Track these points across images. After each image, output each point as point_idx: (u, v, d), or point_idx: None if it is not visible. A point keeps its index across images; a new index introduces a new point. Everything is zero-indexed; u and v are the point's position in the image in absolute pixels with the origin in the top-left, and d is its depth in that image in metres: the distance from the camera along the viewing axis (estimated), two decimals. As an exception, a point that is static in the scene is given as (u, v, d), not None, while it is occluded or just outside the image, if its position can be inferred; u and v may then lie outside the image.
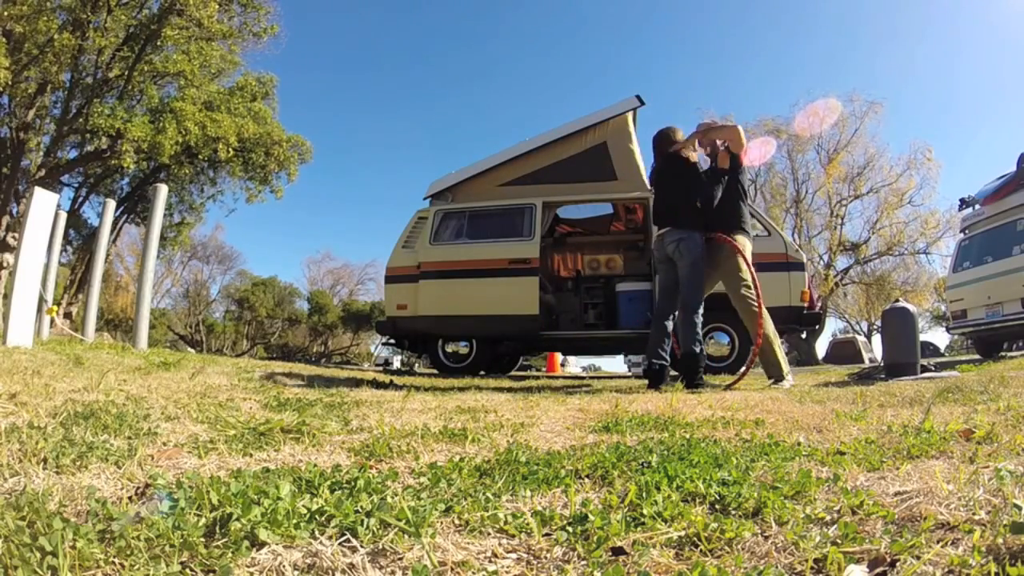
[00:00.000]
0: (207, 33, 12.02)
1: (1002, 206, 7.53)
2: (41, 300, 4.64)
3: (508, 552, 0.77)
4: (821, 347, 18.81)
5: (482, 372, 6.32)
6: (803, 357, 18.39)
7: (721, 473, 1.08)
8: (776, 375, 3.66)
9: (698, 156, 4.02)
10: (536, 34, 61.78)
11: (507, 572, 0.72)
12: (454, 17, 57.91)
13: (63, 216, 6.35)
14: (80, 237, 14.90)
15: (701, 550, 0.77)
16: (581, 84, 58.67)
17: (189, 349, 15.94)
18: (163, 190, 6.07)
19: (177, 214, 15.28)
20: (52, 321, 5.90)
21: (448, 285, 6.06)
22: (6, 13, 10.07)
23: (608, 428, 1.81)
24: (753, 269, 3.74)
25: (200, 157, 12.48)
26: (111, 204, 7.34)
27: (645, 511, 0.87)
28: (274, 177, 13.71)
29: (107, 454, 1.14)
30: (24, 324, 3.98)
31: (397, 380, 4.26)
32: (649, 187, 5.83)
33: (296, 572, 0.68)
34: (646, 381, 3.72)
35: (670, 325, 3.68)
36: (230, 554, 0.69)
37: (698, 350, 3.52)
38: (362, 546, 0.74)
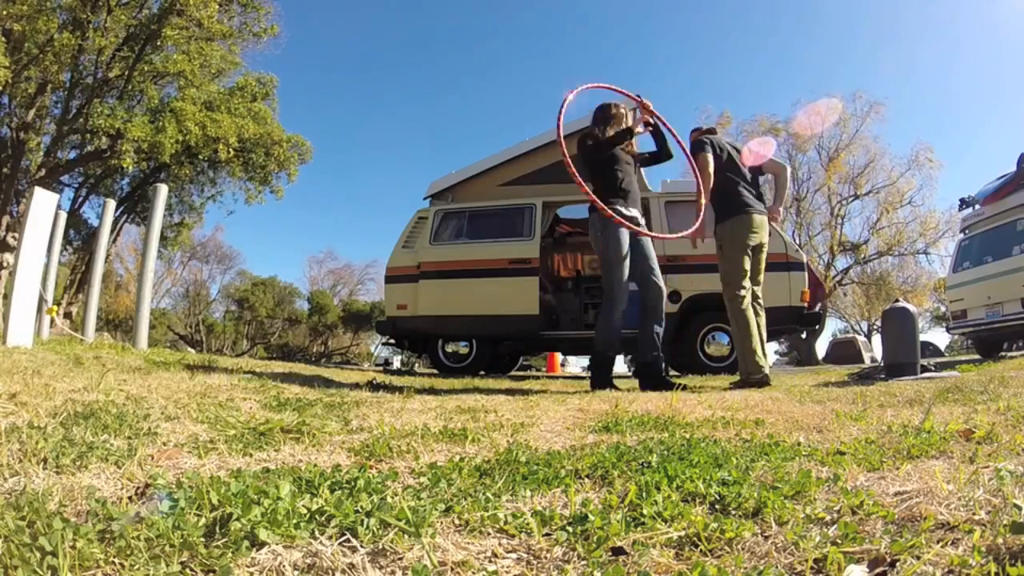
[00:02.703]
0: (207, 33, 12.01)
1: (1002, 206, 7.53)
2: (41, 300, 4.63)
3: (508, 552, 0.77)
4: (821, 347, 18.83)
5: (482, 372, 6.32)
6: (803, 357, 18.39)
7: (721, 473, 1.08)
8: (743, 372, 3.55)
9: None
10: (536, 34, 61.72)
11: (507, 572, 0.72)
12: (454, 17, 57.86)
13: (63, 216, 6.35)
14: (80, 237, 14.89)
15: (701, 550, 0.77)
16: (581, 84, 58.43)
17: (189, 349, 15.93)
18: (163, 190, 6.06)
19: (177, 214, 15.27)
20: (52, 321, 5.90)
21: (448, 285, 6.07)
22: (6, 13, 10.07)
23: (608, 428, 1.81)
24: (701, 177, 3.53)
25: (200, 157, 12.48)
26: (111, 204, 7.34)
27: (645, 511, 0.87)
28: (274, 177, 13.71)
29: (107, 454, 1.14)
30: (24, 324, 3.98)
31: (397, 380, 4.26)
32: (647, 186, 5.85)
33: (296, 572, 0.68)
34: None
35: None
36: (230, 554, 0.69)
37: (607, 352, 3.45)
38: (362, 546, 0.74)
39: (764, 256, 3.79)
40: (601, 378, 3.47)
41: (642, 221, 3.61)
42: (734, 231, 3.66)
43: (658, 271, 3.53)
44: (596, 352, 3.53)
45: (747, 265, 3.66)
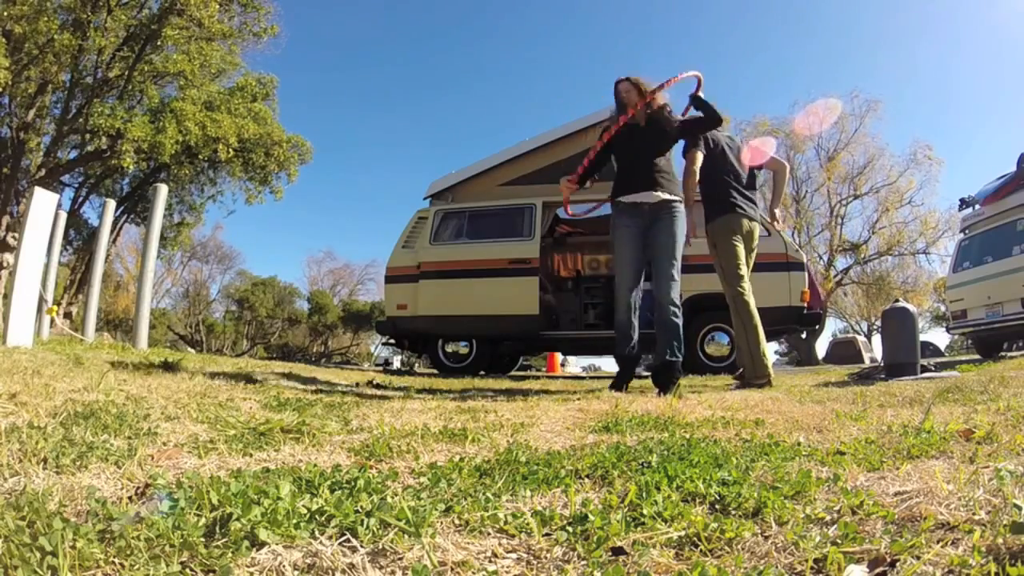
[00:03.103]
0: (207, 33, 12.01)
1: (1002, 206, 7.53)
2: (41, 300, 4.63)
3: (508, 552, 0.77)
4: (821, 347, 18.83)
5: (482, 372, 6.33)
6: (803, 357, 18.40)
7: (721, 473, 1.08)
8: (750, 374, 3.51)
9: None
10: (535, 33, 61.72)
11: (507, 572, 0.72)
12: (453, 17, 57.86)
13: (63, 216, 6.35)
14: (80, 237, 14.87)
15: (701, 550, 0.77)
16: (581, 83, 58.55)
17: (189, 349, 15.91)
18: (163, 190, 6.06)
19: (177, 214, 15.26)
20: (52, 321, 5.90)
21: (448, 285, 6.07)
22: (6, 13, 10.06)
23: (608, 428, 1.81)
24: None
25: (200, 157, 12.46)
26: (111, 204, 7.34)
27: (645, 511, 0.87)
28: (274, 178, 13.69)
29: (107, 454, 1.14)
30: (24, 324, 3.98)
31: (397, 380, 4.26)
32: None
33: (296, 572, 0.68)
34: (648, 382, 3.68)
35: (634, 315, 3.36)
36: (230, 554, 0.69)
37: (617, 353, 3.40)
38: (362, 546, 0.74)
39: (752, 262, 3.75)
40: (616, 379, 3.38)
41: (647, 201, 3.23)
42: (723, 225, 3.63)
43: (669, 270, 3.21)
44: (615, 353, 3.48)
45: (742, 254, 3.60)
